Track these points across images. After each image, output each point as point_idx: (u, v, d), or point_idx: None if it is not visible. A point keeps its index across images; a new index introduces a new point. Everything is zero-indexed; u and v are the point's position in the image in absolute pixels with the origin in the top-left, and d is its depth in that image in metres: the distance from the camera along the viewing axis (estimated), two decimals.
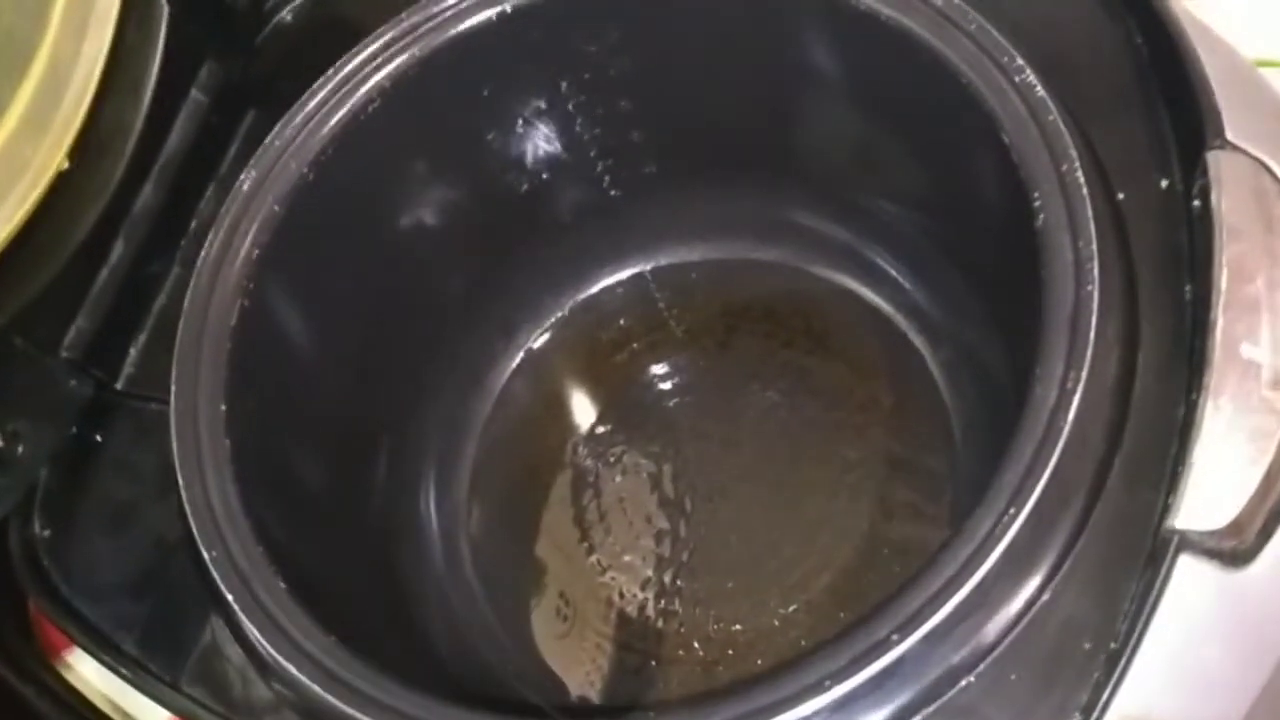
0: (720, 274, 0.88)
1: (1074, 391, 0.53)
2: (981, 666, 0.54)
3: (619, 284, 0.90)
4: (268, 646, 0.57)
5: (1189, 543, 0.53)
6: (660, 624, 0.80)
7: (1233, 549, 0.53)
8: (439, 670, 0.73)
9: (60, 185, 0.68)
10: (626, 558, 0.83)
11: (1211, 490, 0.54)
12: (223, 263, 0.66)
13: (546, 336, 0.89)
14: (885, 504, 0.80)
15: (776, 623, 0.79)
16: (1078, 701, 0.53)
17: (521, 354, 0.89)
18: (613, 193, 0.83)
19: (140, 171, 0.74)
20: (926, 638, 0.51)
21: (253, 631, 0.58)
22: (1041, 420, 0.53)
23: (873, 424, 0.83)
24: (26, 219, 0.66)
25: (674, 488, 0.84)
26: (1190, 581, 0.53)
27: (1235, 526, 0.53)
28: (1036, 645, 0.54)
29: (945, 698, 0.54)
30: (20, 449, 0.69)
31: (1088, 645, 0.54)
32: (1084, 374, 0.53)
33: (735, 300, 0.88)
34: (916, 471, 0.81)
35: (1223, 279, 0.56)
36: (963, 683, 0.54)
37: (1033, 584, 0.54)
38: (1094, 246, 0.56)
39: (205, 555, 0.59)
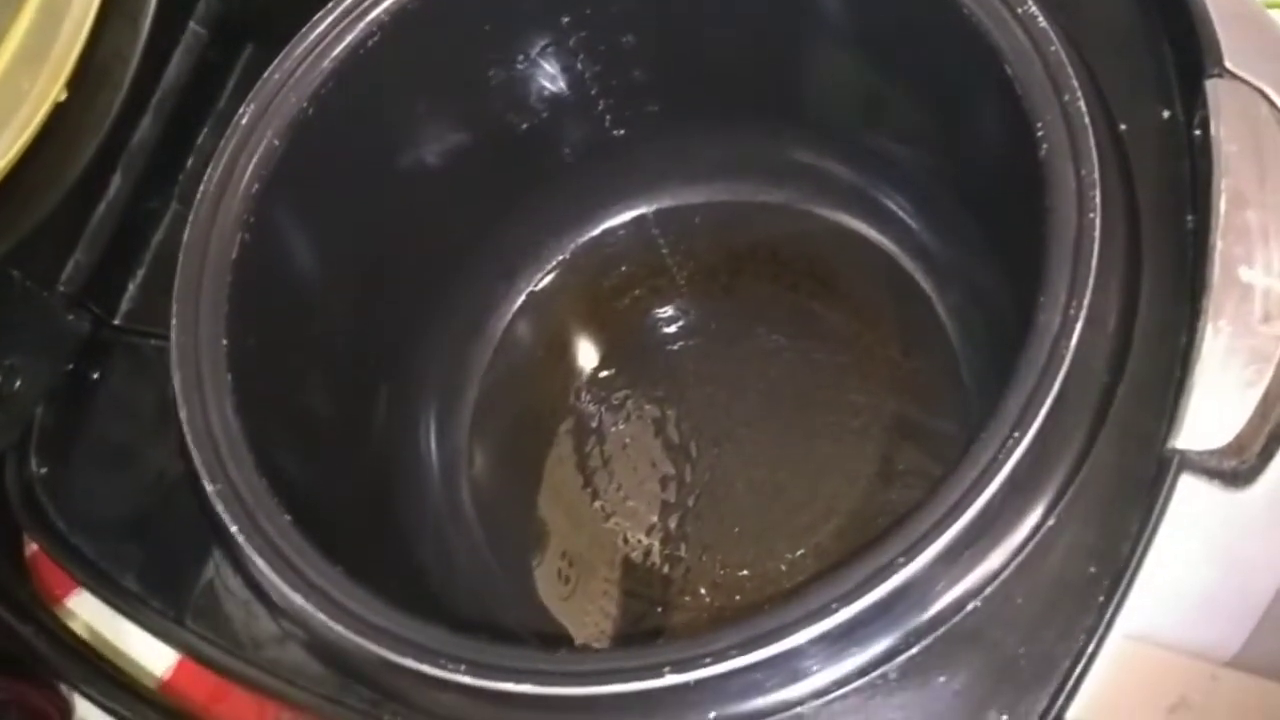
0: (724, 216, 0.88)
1: (1077, 318, 0.53)
2: (988, 590, 0.54)
3: (621, 226, 0.89)
4: (273, 578, 0.57)
5: (1190, 462, 0.53)
6: (666, 570, 0.80)
7: (1233, 469, 0.53)
8: (437, 611, 0.73)
9: (57, 117, 0.68)
10: (631, 503, 0.82)
11: (1212, 411, 0.54)
12: (223, 195, 0.65)
13: (548, 280, 0.89)
14: (892, 448, 0.80)
15: (783, 568, 0.78)
16: (1083, 624, 0.53)
17: (523, 297, 0.88)
18: (614, 132, 0.83)
19: (138, 105, 0.73)
20: (932, 562, 0.51)
21: (258, 563, 0.57)
22: (1045, 346, 0.53)
23: (880, 367, 0.83)
24: (24, 150, 0.66)
25: (678, 432, 0.83)
26: (1192, 502, 0.53)
27: (1236, 446, 0.53)
28: (1042, 569, 0.54)
29: (952, 622, 0.54)
30: (17, 384, 0.69)
31: (1092, 569, 0.54)
32: (1087, 300, 0.53)
33: (739, 243, 0.88)
34: (924, 415, 0.81)
35: (1221, 204, 0.56)
36: (969, 607, 0.54)
37: (1038, 508, 0.55)
38: (1096, 174, 0.55)
39: (208, 488, 0.59)
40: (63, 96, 0.69)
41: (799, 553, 0.78)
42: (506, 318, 0.88)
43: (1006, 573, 0.54)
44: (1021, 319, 0.56)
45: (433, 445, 0.84)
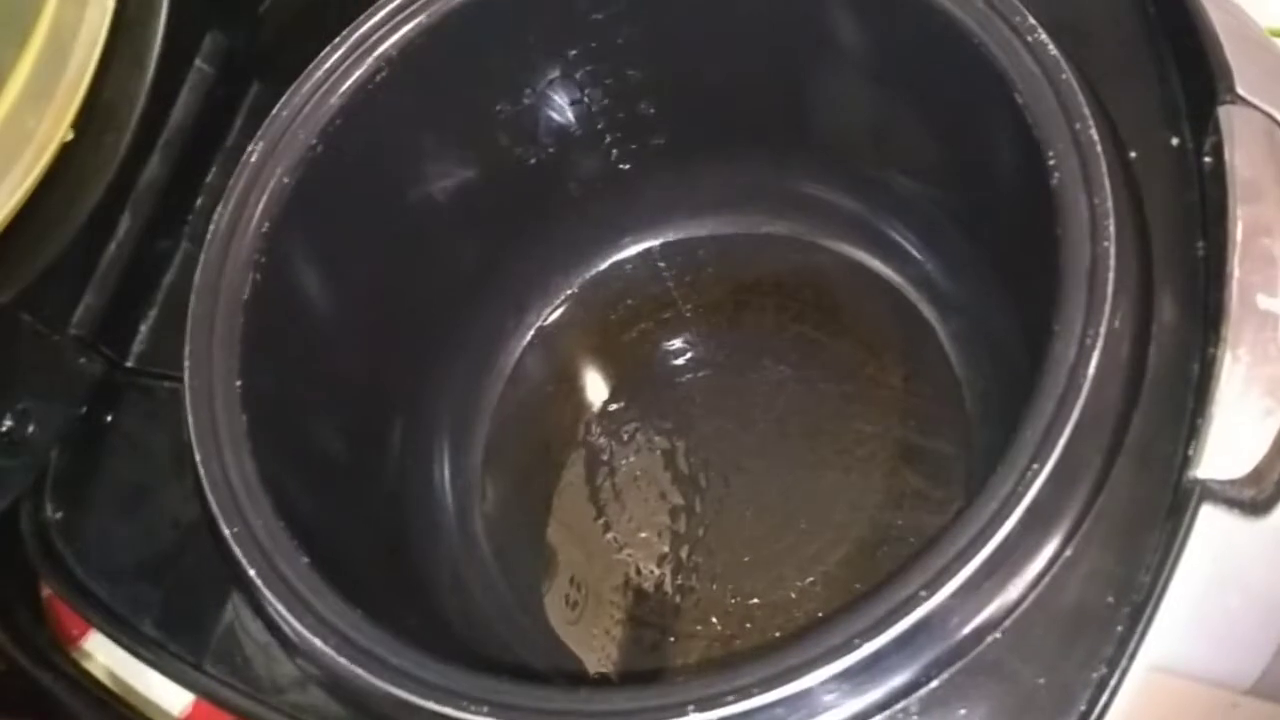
0: (729, 249, 0.88)
1: (1094, 347, 0.53)
2: (1008, 622, 0.53)
3: (628, 260, 0.89)
4: (293, 622, 0.56)
5: (1210, 493, 0.53)
6: (677, 599, 0.80)
7: (1253, 498, 0.53)
8: (456, 649, 0.73)
9: (64, 157, 0.68)
10: (642, 534, 0.82)
11: (1231, 441, 0.53)
12: (233, 235, 0.65)
13: (557, 314, 0.89)
14: (899, 477, 0.80)
15: (793, 595, 0.78)
16: (1103, 654, 0.53)
17: (532, 332, 0.88)
18: (621, 166, 0.83)
19: (145, 144, 0.73)
20: (954, 593, 0.51)
21: (277, 607, 0.57)
22: (1062, 376, 0.53)
23: (885, 397, 0.83)
24: (31, 192, 0.66)
25: (688, 464, 0.83)
26: (1212, 532, 0.53)
27: (1255, 475, 0.53)
28: (1061, 599, 0.54)
29: (972, 654, 0.53)
30: (30, 428, 0.68)
31: (1110, 599, 0.54)
32: (1103, 329, 0.53)
33: (744, 275, 0.88)
34: (930, 445, 0.81)
35: (1238, 231, 0.56)
36: (990, 638, 0.53)
37: (1056, 539, 0.54)
38: (1110, 203, 0.55)
39: (226, 532, 0.59)
40: (69, 137, 0.68)
41: (808, 580, 0.78)
42: (516, 352, 0.88)
43: (1026, 603, 0.54)
44: (1026, 345, 0.56)
45: (446, 480, 0.83)
